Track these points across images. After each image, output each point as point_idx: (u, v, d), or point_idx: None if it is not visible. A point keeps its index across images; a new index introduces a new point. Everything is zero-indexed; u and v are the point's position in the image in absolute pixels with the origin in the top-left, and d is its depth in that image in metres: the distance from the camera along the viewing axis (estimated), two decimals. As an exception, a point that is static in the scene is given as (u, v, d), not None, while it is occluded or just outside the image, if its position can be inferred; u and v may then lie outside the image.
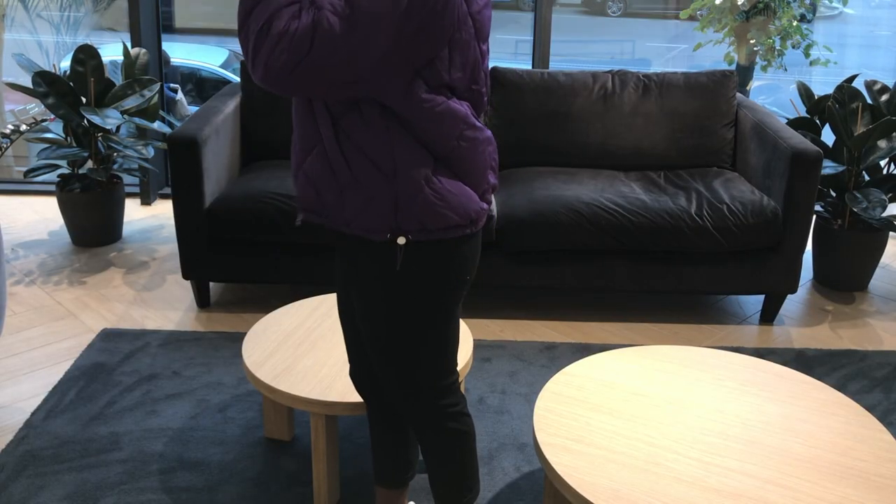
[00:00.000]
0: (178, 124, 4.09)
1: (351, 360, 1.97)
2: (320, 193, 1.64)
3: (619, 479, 1.85)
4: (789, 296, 3.62)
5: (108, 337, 3.16)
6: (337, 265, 1.87)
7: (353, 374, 1.99)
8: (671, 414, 2.08)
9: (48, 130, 3.85)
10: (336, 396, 2.16)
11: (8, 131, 3.68)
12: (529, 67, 3.92)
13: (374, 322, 1.73)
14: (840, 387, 2.95)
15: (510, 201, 3.24)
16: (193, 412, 2.72)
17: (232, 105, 3.60)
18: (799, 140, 3.22)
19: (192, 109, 7.92)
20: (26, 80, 4.11)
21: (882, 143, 3.49)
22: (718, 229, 3.18)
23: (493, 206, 1.51)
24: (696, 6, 8.88)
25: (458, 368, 2.30)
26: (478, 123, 1.66)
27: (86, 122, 3.78)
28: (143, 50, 3.97)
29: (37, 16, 9.07)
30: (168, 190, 4.65)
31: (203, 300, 3.41)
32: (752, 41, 8.79)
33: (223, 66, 8.88)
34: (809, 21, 9.65)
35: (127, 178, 4.48)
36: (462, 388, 2.42)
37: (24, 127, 3.75)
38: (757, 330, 3.36)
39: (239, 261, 3.29)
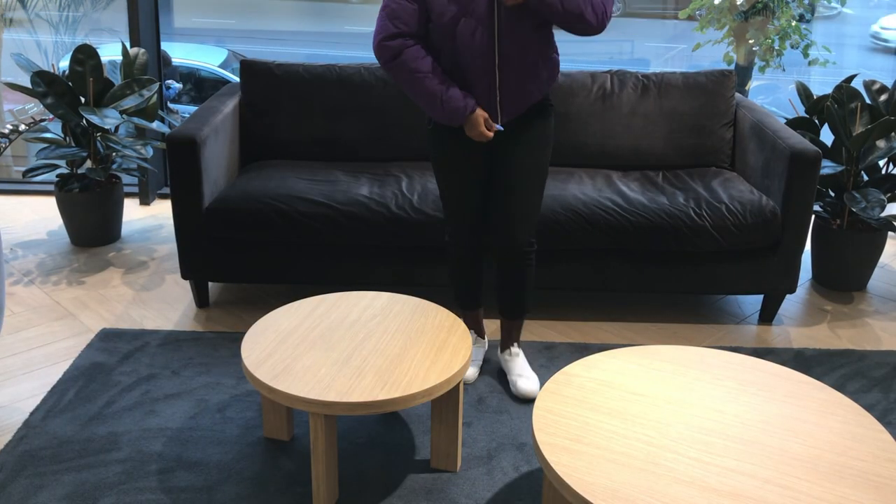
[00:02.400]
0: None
1: (461, 224, 2.77)
2: (529, 92, 2.60)
3: (618, 479, 1.85)
4: (788, 296, 3.62)
5: (107, 337, 3.16)
6: (467, 153, 2.67)
7: (459, 233, 2.79)
8: (670, 414, 2.08)
9: (47, 130, 3.85)
10: (335, 396, 2.16)
11: (7, 131, 3.67)
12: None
13: (539, 172, 2.68)
14: (839, 386, 2.96)
15: (509, 201, 3.24)
16: (192, 412, 2.72)
17: (231, 105, 3.60)
18: (798, 140, 3.22)
19: (187, 109, 7.92)
20: (25, 80, 4.11)
21: (881, 143, 3.49)
22: (717, 229, 3.18)
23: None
24: (694, 6, 8.89)
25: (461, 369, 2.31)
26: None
27: (84, 121, 3.78)
28: (142, 50, 3.97)
29: (36, 15, 9.06)
30: (167, 190, 4.65)
31: (202, 300, 3.41)
32: (750, 41, 8.80)
33: (222, 65, 8.88)
34: (808, 21, 9.65)
35: (126, 178, 4.48)
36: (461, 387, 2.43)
37: (22, 127, 3.74)
38: (756, 330, 3.37)
39: (238, 261, 3.29)
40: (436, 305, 2.61)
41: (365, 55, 9.17)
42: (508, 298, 2.83)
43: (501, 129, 2.58)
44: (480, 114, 2.53)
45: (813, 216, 3.67)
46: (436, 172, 2.75)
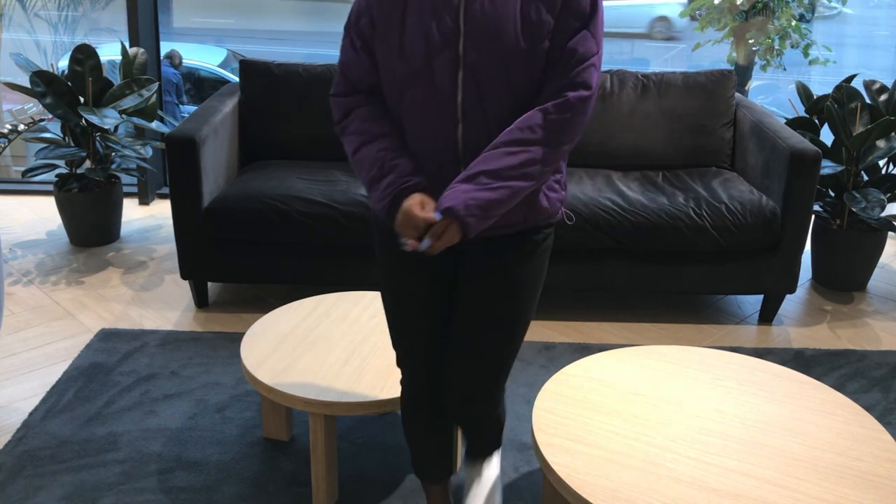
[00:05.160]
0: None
1: (413, 367, 1.94)
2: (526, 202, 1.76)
3: (617, 479, 1.84)
4: (788, 296, 3.62)
5: (107, 337, 3.16)
6: (426, 268, 1.85)
7: (413, 377, 1.96)
8: (670, 414, 2.07)
9: (46, 130, 3.84)
10: (334, 396, 2.16)
11: (6, 131, 3.67)
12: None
13: (516, 323, 1.85)
14: (838, 386, 2.95)
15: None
16: (192, 412, 2.72)
17: (230, 105, 3.59)
18: (798, 140, 3.22)
19: (187, 109, 7.93)
20: (24, 80, 4.10)
21: (881, 143, 3.48)
22: (717, 229, 3.18)
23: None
24: (694, 6, 8.88)
25: None
26: None
27: (84, 121, 3.77)
28: (142, 49, 3.96)
29: (35, 15, 9.06)
30: (166, 190, 4.65)
31: (201, 300, 3.41)
32: (750, 41, 8.79)
33: (221, 65, 8.87)
34: (808, 21, 9.65)
35: (125, 178, 4.48)
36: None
37: (21, 127, 3.74)
38: (755, 330, 3.36)
39: (237, 261, 3.28)
40: (435, 305, 2.60)
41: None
42: (469, 441, 2.08)
43: (425, 248, 1.65)
44: (423, 200, 1.66)
45: (813, 216, 3.67)
46: (380, 282, 1.92)
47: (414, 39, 1.63)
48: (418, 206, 1.63)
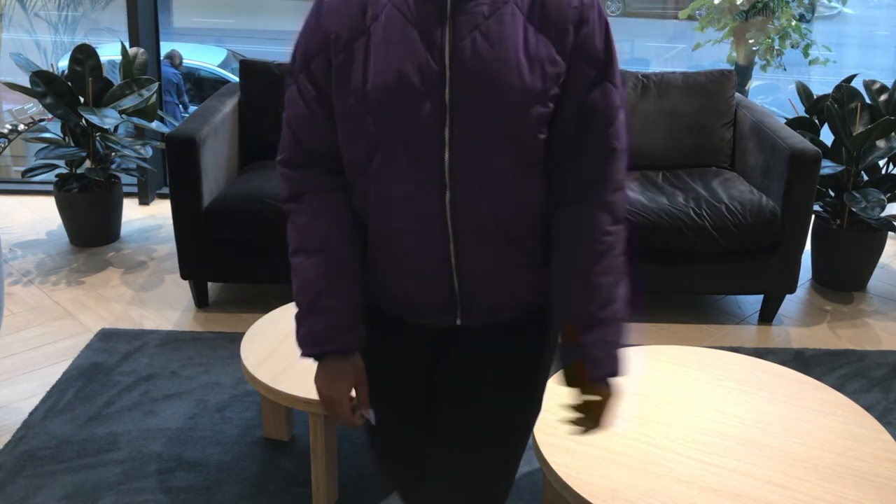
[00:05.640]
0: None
1: (398, 476, 1.63)
2: (512, 284, 1.44)
3: (617, 480, 1.84)
4: (788, 296, 3.62)
5: (107, 337, 3.16)
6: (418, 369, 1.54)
7: (400, 486, 1.64)
8: (670, 414, 2.07)
9: (46, 130, 3.84)
10: (334, 396, 2.16)
11: (6, 131, 3.67)
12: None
13: (517, 426, 1.49)
14: (838, 386, 2.95)
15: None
16: (192, 412, 2.72)
17: (230, 105, 3.59)
18: (798, 140, 3.22)
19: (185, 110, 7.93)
20: (24, 80, 4.10)
21: (881, 143, 3.48)
22: (717, 229, 3.18)
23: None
24: (694, 6, 8.89)
25: None
26: None
27: (84, 121, 3.77)
28: (142, 49, 3.96)
29: (35, 15, 9.06)
30: (166, 190, 4.64)
31: (201, 300, 3.41)
32: (750, 41, 8.80)
33: (221, 65, 8.88)
34: (808, 21, 9.66)
35: (125, 178, 4.48)
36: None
37: (21, 126, 3.74)
38: (755, 330, 3.36)
39: (237, 261, 3.28)
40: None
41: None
42: None
43: (373, 419, 1.46)
44: (353, 368, 1.40)
45: (813, 216, 3.67)
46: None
47: (382, 79, 1.27)
48: (348, 397, 1.38)
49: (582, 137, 1.34)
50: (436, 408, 1.51)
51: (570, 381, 1.39)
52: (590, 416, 1.39)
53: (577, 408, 1.39)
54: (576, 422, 1.40)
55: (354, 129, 1.33)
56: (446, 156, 1.29)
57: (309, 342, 1.39)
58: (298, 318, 1.41)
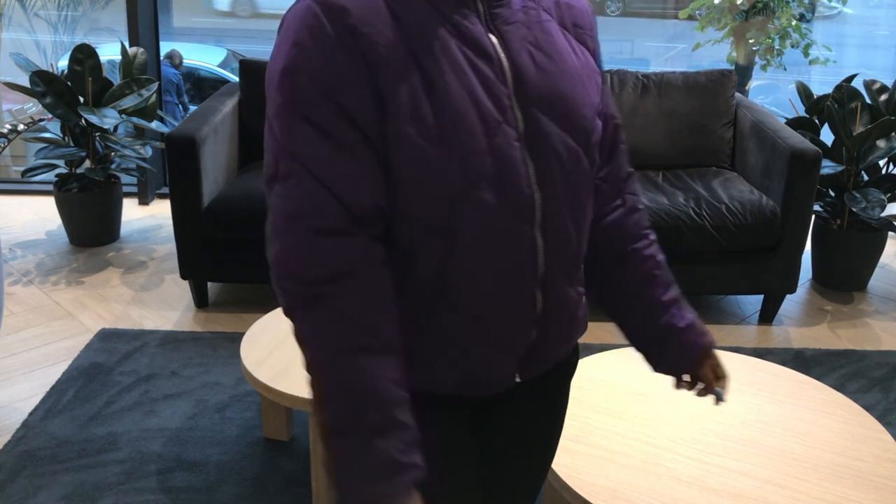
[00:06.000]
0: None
1: None
2: (577, 321, 1.32)
3: (617, 480, 1.84)
4: (788, 296, 3.62)
5: (106, 337, 3.16)
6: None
7: None
8: (670, 414, 2.07)
9: (46, 130, 3.84)
10: (334, 396, 2.16)
11: (5, 131, 3.67)
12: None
13: (550, 453, 1.39)
14: (839, 387, 2.95)
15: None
16: (192, 412, 2.72)
17: (230, 104, 3.59)
18: (798, 140, 3.22)
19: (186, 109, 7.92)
20: (24, 80, 4.10)
21: (881, 143, 3.48)
22: (717, 229, 3.18)
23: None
24: (694, 6, 8.89)
25: None
26: None
27: (83, 121, 3.77)
28: (142, 49, 3.96)
29: (34, 15, 9.06)
30: (166, 190, 4.64)
31: (201, 300, 3.41)
32: (750, 41, 8.79)
33: (221, 65, 8.88)
34: (808, 21, 9.66)
35: (125, 178, 4.48)
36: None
37: (21, 126, 3.74)
38: (755, 330, 3.36)
39: (237, 261, 3.28)
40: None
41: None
42: None
43: None
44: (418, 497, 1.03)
45: (813, 216, 3.67)
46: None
47: (459, 103, 1.03)
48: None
49: (609, 144, 1.29)
50: (488, 468, 1.31)
51: (676, 366, 1.36)
52: (719, 379, 1.34)
53: (695, 383, 1.35)
54: (715, 393, 1.34)
55: (427, 175, 1.04)
56: (534, 184, 1.09)
57: (387, 474, 1.01)
58: (355, 445, 1.01)
